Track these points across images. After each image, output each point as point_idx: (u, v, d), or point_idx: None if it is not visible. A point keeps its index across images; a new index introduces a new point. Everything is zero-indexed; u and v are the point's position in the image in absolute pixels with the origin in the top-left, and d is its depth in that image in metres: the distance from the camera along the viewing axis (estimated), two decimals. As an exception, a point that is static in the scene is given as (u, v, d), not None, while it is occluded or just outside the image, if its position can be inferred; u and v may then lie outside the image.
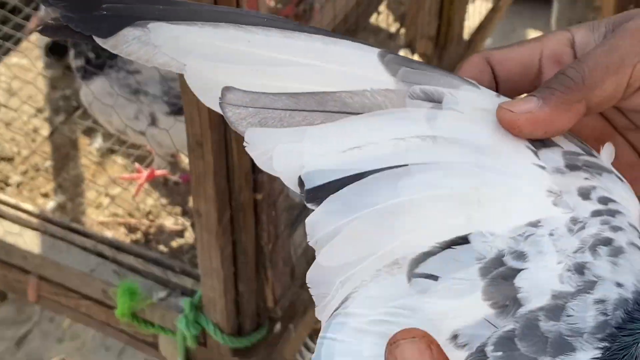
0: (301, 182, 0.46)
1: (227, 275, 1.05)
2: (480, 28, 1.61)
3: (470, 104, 0.51)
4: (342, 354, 0.45)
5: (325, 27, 1.07)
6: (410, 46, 1.51)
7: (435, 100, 0.50)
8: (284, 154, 0.46)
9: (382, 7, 1.61)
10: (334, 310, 0.47)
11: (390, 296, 0.47)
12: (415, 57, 1.51)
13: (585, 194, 0.49)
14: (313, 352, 1.34)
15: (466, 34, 1.56)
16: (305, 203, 0.45)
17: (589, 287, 0.46)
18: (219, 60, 0.48)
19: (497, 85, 0.54)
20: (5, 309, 2.63)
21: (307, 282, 0.47)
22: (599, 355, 0.44)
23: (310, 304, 1.24)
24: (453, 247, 0.47)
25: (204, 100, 0.46)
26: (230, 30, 0.49)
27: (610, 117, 0.56)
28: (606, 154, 0.53)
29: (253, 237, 1.05)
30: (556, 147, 0.51)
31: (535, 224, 0.48)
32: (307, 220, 0.45)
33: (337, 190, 0.47)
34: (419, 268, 0.46)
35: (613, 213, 0.49)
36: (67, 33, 0.46)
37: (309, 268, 1.32)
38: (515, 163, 0.50)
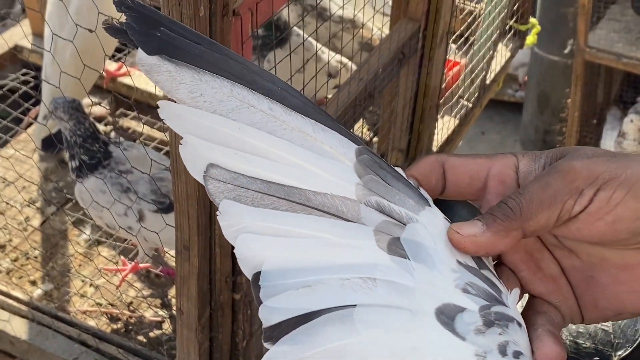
0: (256, 278, 0.48)
1: None
2: (448, 141, 1.64)
3: (430, 232, 0.53)
4: None
5: None
6: (383, 156, 1.53)
7: (385, 213, 0.52)
8: (247, 243, 0.49)
9: (360, 120, 1.65)
10: None
11: None
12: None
13: (503, 351, 0.52)
14: None
15: (435, 146, 1.59)
16: (263, 342, 0.49)
17: None
18: (212, 141, 0.52)
19: (444, 186, 0.56)
20: None
21: None
22: None
23: None
24: None
25: (191, 170, 0.51)
26: (232, 101, 0.53)
27: (543, 236, 0.58)
28: (513, 298, 0.54)
29: (229, 334, 1.04)
30: (470, 308, 0.52)
31: None
32: (264, 358, 0.48)
33: (290, 330, 0.49)
34: None
35: None
36: (124, 37, 0.50)
37: None
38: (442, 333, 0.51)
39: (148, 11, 0.54)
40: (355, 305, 0.50)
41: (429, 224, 0.53)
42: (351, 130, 1.68)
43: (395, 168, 0.55)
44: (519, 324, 0.54)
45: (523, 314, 0.59)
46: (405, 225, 0.52)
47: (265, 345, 0.49)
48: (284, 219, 0.51)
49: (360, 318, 0.50)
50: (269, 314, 0.48)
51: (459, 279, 0.54)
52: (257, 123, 0.53)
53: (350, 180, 0.52)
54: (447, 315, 0.52)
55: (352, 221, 0.52)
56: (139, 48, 0.52)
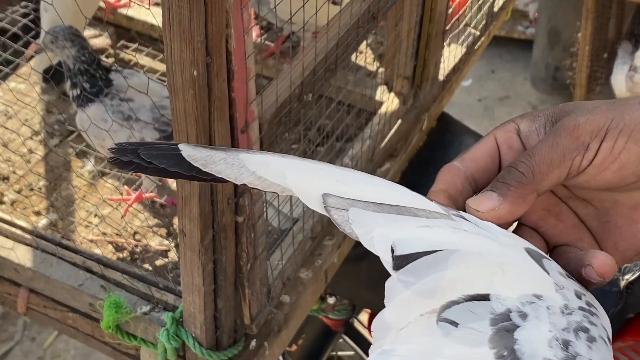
0: (392, 250, 0.55)
1: (207, 291, 1.04)
2: (455, 70, 1.62)
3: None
4: None
5: (306, 66, 1.09)
6: (388, 84, 1.51)
7: (464, 218, 0.57)
8: (380, 237, 0.55)
9: (363, 47, 1.62)
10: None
11: (420, 334, 0.53)
12: (393, 96, 1.53)
13: (578, 295, 0.54)
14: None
15: (441, 75, 1.57)
16: (392, 270, 0.55)
17: (571, 359, 0.52)
18: (314, 174, 0.58)
19: (474, 187, 0.61)
20: None
21: (371, 328, 0.56)
22: None
23: (284, 324, 1.23)
24: (474, 300, 0.53)
25: (306, 201, 0.56)
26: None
27: (554, 189, 0.61)
28: None
29: (233, 256, 1.05)
30: (551, 260, 0.56)
31: (538, 297, 0.53)
32: (386, 284, 0.54)
33: (411, 262, 0.55)
34: (445, 313, 0.53)
35: (593, 314, 0.54)
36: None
37: (284, 289, 1.38)
38: (531, 261, 0.55)
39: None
40: (458, 248, 0.55)
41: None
42: (368, 73, 1.69)
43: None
44: (592, 296, 0.56)
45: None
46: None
47: (392, 273, 0.55)
48: (401, 215, 0.57)
49: (464, 253, 0.55)
50: (399, 245, 0.56)
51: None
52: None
53: (429, 202, 0.58)
54: (535, 255, 0.56)
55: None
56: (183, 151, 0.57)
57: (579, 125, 0.57)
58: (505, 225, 0.60)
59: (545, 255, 0.57)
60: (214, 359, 1.12)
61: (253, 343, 1.16)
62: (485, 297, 0.54)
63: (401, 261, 0.55)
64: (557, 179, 0.58)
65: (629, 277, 1.33)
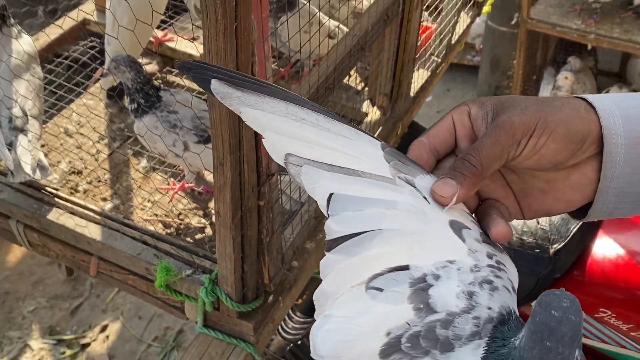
0: (328, 200, 0.55)
1: (237, 258, 1.05)
2: (422, 89, 1.62)
3: (424, 188, 0.57)
4: (325, 333, 0.53)
5: (311, 85, 1.08)
6: (371, 100, 1.51)
7: (410, 183, 0.56)
8: (322, 189, 0.55)
9: (353, 71, 1.62)
10: (322, 318, 0.53)
11: (353, 303, 0.53)
12: (375, 109, 1.53)
13: (489, 256, 0.55)
14: (293, 319, 1.43)
15: (412, 92, 1.57)
16: (325, 252, 0.54)
17: (471, 308, 0.52)
18: (286, 136, 0.56)
19: (437, 153, 0.60)
20: (63, 287, 2.59)
21: (313, 298, 0.55)
22: (473, 355, 0.50)
23: (294, 283, 1.24)
24: (395, 271, 0.53)
25: (273, 156, 0.56)
26: (294, 114, 0.56)
27: None
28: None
29: (256, 232, 1.05)
30: (472, 229, 0.56)
31: (451, 261, 0.53)
32: (321, 262, 0.54)
33: (343, 242, 0.54)
34: (372, 282, 0.53)
35: (500, 269, 0.55)
36: (196, 80, 0.56)
37: (294, 256, 1.37)
38: (451, 231, 0.55)
39: (213, 68, 0.57)
40: (384, 229, 0.54)
41: (427, 183, 0.57)
42: (356, 91, 1.69)
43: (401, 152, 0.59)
44: (508, 257, 0.57)
45: (482, 209, 0.61)
46: (414, 183, 0.57)
47: (327, 253, 0.55)
48: (348, 177, 0.56)
49: (388, 235, 0.54)
50: (330, 233, 0.55)
51: (465, 212, 0.58)
52: (312, 124, 0.57)
53: (384, 165, 0.57)
54: (456, 227, 0.55)
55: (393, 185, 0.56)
56: (212, 85, 0.56)
57: (514, 125, 0.56)
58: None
59: (466, 226, 0.56)
60: (242, 310, 1.13)
61: (270, 298, 1.17)
62: (405, 268, 0.53)
63: (331, 244, 0.55)
64: (498, 166, 0.58)
65: (556, 246, 1.33)
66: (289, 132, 0.56)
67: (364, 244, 0.54)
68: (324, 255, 0.55)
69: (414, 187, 0.56)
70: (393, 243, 0.54)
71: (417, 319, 0.52)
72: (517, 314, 0.54)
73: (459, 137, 0.60)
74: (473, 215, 0.60)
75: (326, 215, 0.55)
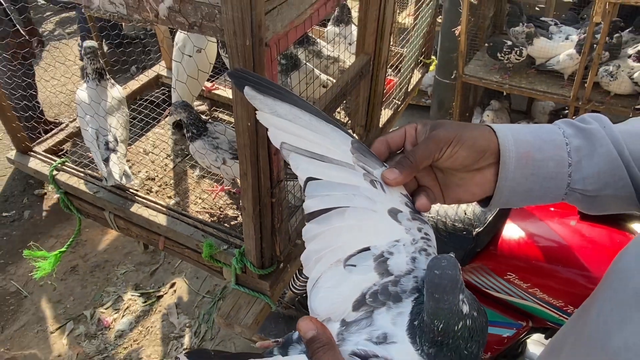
0: (306, 180, 0.54)
1: (257, 238, 1.04)
2: (388, 122, 1.60)
3: (378, 175, 0.56)
4: (319, 301, 0.53)
5: None
6: (352, 129, 1.50)
7: (365, 170, 0.56)
8: (301, 172, 0.54)
9: (339, 109, 1.62)
10: (314, 282, 0.53)
11: (336, 275, 0.53)
12: (355, 136, 1.52)
13: (419, 229, 0.55)
14: (299, 279, 1.41)
15: (381, 124, 1.55)
16: (305, 222, 0.54)
17: (412, 270, 0.52)
18: (282, 131, 0.55)
19: (390, 148, 0.60)
20: (145, 256, 2.60)
21: (301, 259, 0.55)
22: (413, 302, 0.50)
23: (297, 255, 1.21)
24: (362, 252, 0.53)
25: (273, 142, 0.55)
26: (293, 114, 0.55)
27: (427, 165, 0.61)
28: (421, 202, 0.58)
29: (269, 220, 1.04)
30: (404, 211, 0.55)
31: (397, 240, 0.54)
32: (303, 229, 0.54)
33: (318, 216, 0.53)
34: (348, 261, 0.53)
35: (429, 239, 0.55)
36: (237, 84, 0.55)
37: (297, 237, 1.34)
38: (391, 219, 0.54)
39: (249, 76, 0.56)
40: (348, 206, 0.53)
41: (379, 172, 0.56)
42: (343, 123, 1.69)
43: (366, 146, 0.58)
44: (429, 225, 0.56)
45: (416, 191, 0.60)
46: (373, 173, 0.56)
47: (307, 223, 0.53)
48: (321, 163, 0.54)
49: (349, 213, 0.53)
50: (307, 209, 0.54)
51: (401, 197, 0.56)
52: (303, 125, 0.55)
53: (349, 155, 0.55)
54: (392, 213, 0.54)
55: (352, 170, 0.55)
56: (245, 89, 0.55)
57: (439, 138, 0.57)
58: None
59: (400, 210, 0.55)
60: (261, 273, 1.13)
61: (281, 265, 1.17)
62: (367, 249, 0.53)
63: (309, 217, 0.54)
64: (427, 164, 0.58)
65: (478, 229, 1.32)
66: (284, 128, 0.55)
67: (333, 218, 0.53)
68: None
69: (369, 173, 0.56)
70: (357, 218, 0.54)
71: (380, 281, 0.52)
72: None
73: (407, 142, 0.60)
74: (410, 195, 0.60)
75: (304, 195, 0.54)
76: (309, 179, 0.54)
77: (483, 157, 0.57)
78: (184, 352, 0.51)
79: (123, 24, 3.61)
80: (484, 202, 0.61)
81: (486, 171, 0.59)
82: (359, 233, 0.54)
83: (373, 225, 0.54)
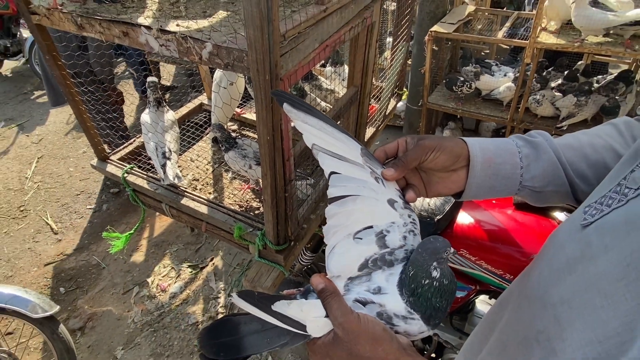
0: (329, 174, 0.53)
1: (274, 223, 1.03)
2: (371, 137, 1.59)
3: (379, 172, 0.55)
4: (334, 262, 0.52)
5: None
6: None
7: (371, 169, 0.55)
8: (326, 167, 0.53)
9: None
10: (331, 249, 0.53)
11: (347, 244, 0.53)
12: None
13: (409, 216, 0.54)
14: (306, 254, 1.40)
15: (366, 139, 1.55)
16: (328, 204, 0.53)
17: (404, 245, 0.52)
18: (313, 135, 0.54)
19: (387, 156, 0.59)
20: (191, 237, 2.57)
21: (323, 230, 0.54)
22: (402, 268, 0.50)
23: (304, 236, 1.21)
24: (367, 229, 0.53)
25: (307, 144, 0.54)
26: (320, 125, 0.54)
27: (415, 167, 0.59)
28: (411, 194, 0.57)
29: (283, 209, 1.03)
30: (399, 201, 0.54)
31: (393, 222, 0.53)
32: (326, 209, 0.53)
33: (336, 201, 0.53)
34: (356, 235, 0.53)
35: (415, 223, 0.55)
36: (280, 101, 0.54)
37: (304, 222, 1.32)
38: (389, 207, 0.54)
39: (286, 95, 0.55)
40: (359, 195, 0.52)
41: (380, 170, 0.55)
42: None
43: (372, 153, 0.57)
44: (414, 213, 0.54)
45: (406, 187, 0.58)
46: (376, 171, 0.54)
47: (329, 204, 0.52)
48: (340, 161, 0.53)
49: (359, 200, 0.52)
50: (330, 194, 0.53)
51: (396, 191, 0.55)
52: (327, 133, 0.54)
53: (360, 157, 0.54)
54: (390, 202, 0.53)
55: (362, 168, 0.53)
56: (284, 105, 0.53)
57: (425, 145, 0.57)
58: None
59: (396, 200, 0.55)
60: (277, 249, 1.12)
61: (292, 243, 1.16)
62: (371, 227, 0.53)
63: (331, 200, 0.53)
64: (415, 165, 0.57)
65: (438, 217, 1.32)
66: (314, 134, 0.54)
67: (347, 203, 0.53)
68: (324, 219, 0.54)
69: (374, 171, 0.55)
70: (365, 204, 0.53)
71: (379, 252, 0.52)
72: None
73: (399, 150, 0.59)
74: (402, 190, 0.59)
75: (329, 184, 0.54)
76: (332, 172, 0.54)
77: (457, 161, 0.58)
78: (236, 293, 0.52)
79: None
80: (457, 195, 0.61)
81: (459, 172, 0.59)
82: (366, 215, 0.54)
83: (376, 210, 0.54)
